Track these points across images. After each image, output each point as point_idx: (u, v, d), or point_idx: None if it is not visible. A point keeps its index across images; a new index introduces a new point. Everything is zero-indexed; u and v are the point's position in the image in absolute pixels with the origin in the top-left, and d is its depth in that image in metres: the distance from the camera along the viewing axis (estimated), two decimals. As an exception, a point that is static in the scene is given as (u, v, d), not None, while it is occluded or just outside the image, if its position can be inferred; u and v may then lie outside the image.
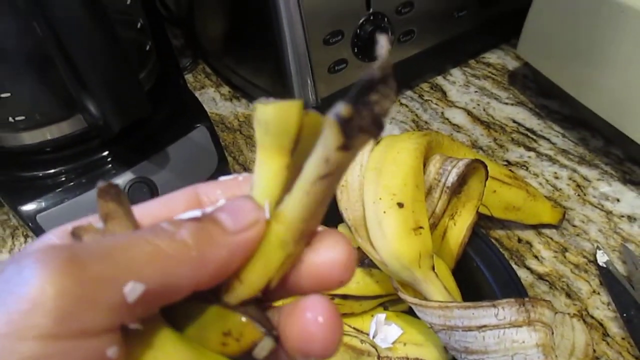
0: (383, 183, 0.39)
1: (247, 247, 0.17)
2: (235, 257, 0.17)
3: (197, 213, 0.18)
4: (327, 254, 0.18)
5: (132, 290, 0.15)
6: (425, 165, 0.42)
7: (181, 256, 0.16)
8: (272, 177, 0.19)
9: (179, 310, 0.18)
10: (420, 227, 0.38)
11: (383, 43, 0.15)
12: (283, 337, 0.18)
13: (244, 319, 0.18)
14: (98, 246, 0.15)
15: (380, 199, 0.38)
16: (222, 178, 0.21)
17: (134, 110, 0.47)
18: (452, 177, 0.40)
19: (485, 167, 0.41)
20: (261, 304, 0.19)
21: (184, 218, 0.18)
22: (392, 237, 0.37)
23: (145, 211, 0.20)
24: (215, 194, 0.21)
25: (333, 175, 0.16)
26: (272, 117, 0.18)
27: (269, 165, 0.19)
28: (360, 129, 0.15)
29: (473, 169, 0.41)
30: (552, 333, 0.34)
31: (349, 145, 0.15)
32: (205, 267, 0.17)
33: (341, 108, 0.14)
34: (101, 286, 0.14)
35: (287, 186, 0.19)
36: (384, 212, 0.38)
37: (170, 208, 0.20)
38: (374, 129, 0.15)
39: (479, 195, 0.41)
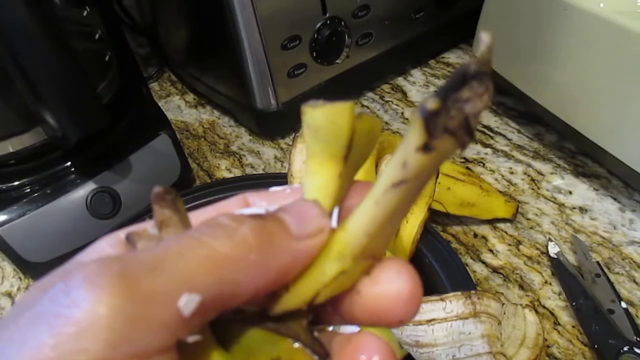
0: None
1: (309, 255, 0.16)
2: (296, 266, 0.16)
3: (260, 210, 0.17)
4: (387, 286, 0.16)
5: (188, 303, 0.13)
6: (377, 165, 0.43)
7: (241, 259, 0.14)
8: (324, 186, 0.17)
9: (223, 328, 0.16)
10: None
11: (486, 40, 0.13)
12: None
13: (296, 345, 0.16)
14: (150, 256, 0.14)
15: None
16: (273, 189, 0.20)
17: (92, 122, 0.48)
18: (402, 176, 0.41)
19: (435, 165, 0.42)
20: (312, 326, 0.17)
21: (245, 214, 0.16)
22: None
23: (201, 217, 0.18)
24: (262, 205, 0.19)
25: (409, 183, 0.14)
26: (322, 121, 0.16)
27: (321, 174, 0.17)
28: (447, 130, 0.13)
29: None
30: (499, 324, 0.35)
31: (431, 146, 0.13)
32: (267, 273, 0.15)
33: (429, 102, 0.13)
34: (154, 303, 0.13)
35: (341, 196, 0.17)
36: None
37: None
38: (463, 134, 0.13)
39: (430, 193, 0.43)
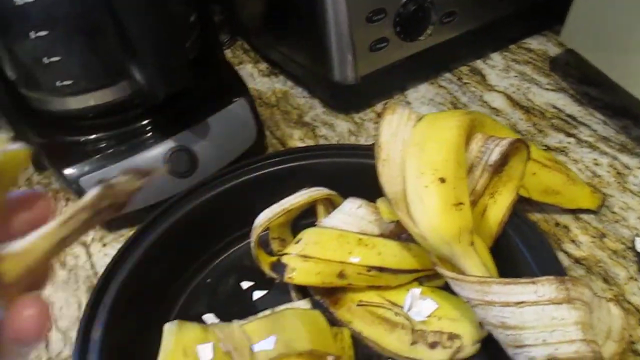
0: (426, 158, 0.39)
1: None
2: None
3: None
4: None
5: None
6: (467, 143, 0.42)
7: None
8: None
9: None
10: (461, 203, 0.38)
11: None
12: None
13: None
14: None
15: (422, 173, 0.38)
16: None
17: (179, 79, 0.48)
18: (494, 156, 0.40)
19: (528, 147, 0.41)
20: None
21: None
22: (433, 212, 0.37)
23: None
24: None
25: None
26: None
27: None
28: None
29: (515, 149, 0.41)
30: (591, 312, 0.34)
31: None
32: None
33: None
34: None
35: None
36: (426, 186, 0.38)
37: None
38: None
39: (520, 175, 0.41)
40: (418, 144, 0.40)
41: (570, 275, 0.42)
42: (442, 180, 0.38)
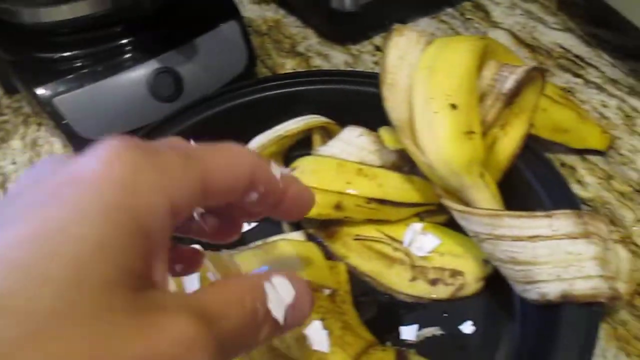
0: (436, 82, 0.36)
1: None
2: None
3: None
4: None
5: None
6: (479, 70, 0.39)
7: None
8: None
9: None
10: (473, 132, 0.35)
11: None
12: None
13: None
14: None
15: (432, 98, 0.35)
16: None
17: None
18: (509, 84, 0.37)
19: (544, 76, 0.38)
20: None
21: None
22: (443, 139, 0.35)
23: None
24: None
25: None
26: None
27: None
28: None
29: (530, 79, 0.38)
30: (607, 249, 0.32)
31: None
32: None
33: None
34: None
35: None
36: (436, 112, 0.35)
37: None
38: None
39: (532, 107, 0.39)
40: (428, 68, 0.37)
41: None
42: (454, 106, 0.35)
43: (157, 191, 0.18)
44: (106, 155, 0.18)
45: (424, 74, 0.37)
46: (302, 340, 0.30)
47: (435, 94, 0.36)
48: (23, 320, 0.14)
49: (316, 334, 0.30)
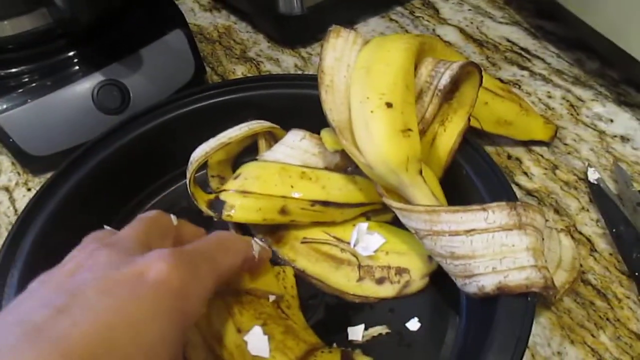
0: (371, 82, 0.36)
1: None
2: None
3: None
4: None
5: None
6: (416, 68, 0.39)
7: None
8: None
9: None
10: (409, 130, 0.35)
11: None
12: None
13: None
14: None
15: (367, 98, 0.36)
16: None
17: (103, 1, 0.44)
18: (444, 80, 0.37)
19: (480, 71, 0.38)
20: None
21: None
22: (379, 138, 0.35)
23: None
24: None
25: None
26: None
27: None
28: None
29: (467, 74, 0.38)
30: (542, 239, 0.33)
31: None
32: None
33: None
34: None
35: None
36: (372, 111, 0.35)
37: None
38: None
39: (471, 102, 0.39)
40: (363, 67, 0.37)
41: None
42: (389, 104, 0.35)
43: (197, 301, 0.25)
44: (164, 269, 0.24)
45: (360, 74, 0.37)
46: (243, 346, 0.30)
47: (371, 93, 0.36)
48: None
49: (256, 339, 0.30)
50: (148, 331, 0.22)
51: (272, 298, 0.35)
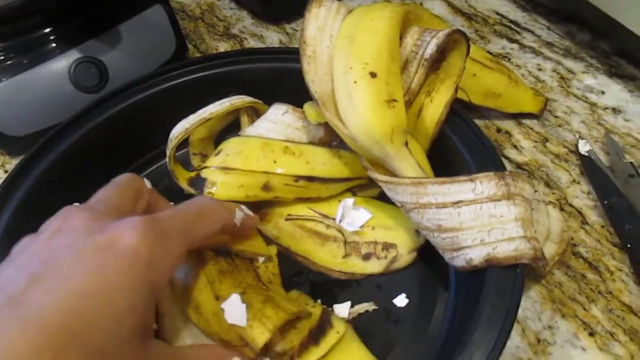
0: (355, 51, 0.35)
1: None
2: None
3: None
4: None
5: None
6: (402, 37, 0.38)
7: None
8: None
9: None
10: (394, 100, 0.34)
11: None
12: None
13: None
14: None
15: (351, 68, 0.34)
16: None
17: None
18: (430, 49, 0.36)
19: (467, 39, 0.37)
20: None
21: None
22: (363, 109, 0.33)
23: None
24: None
25: None
26: None
27: None
28: None
29: (454, 42, 0.37)
30: (532, 210, 0.32)
31: None
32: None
33: None
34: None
35: None
36: (355, 82, 0.34)
37: None
38: None
39: (458, 72, 0.38)
40: (347, 37, 0.36)
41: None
42: (373, 74, 0.34)
43: (166, 270, 0.25)
44: (134, 239, 0.24)
45: (344, 43, 0.36)
46: (220, 314, 0.29)
47: (354, 63, 0.34)
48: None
49: (234, 307, 0.29)
50: (117, 300, 0.22)
51: (261, 259, 0.35)
